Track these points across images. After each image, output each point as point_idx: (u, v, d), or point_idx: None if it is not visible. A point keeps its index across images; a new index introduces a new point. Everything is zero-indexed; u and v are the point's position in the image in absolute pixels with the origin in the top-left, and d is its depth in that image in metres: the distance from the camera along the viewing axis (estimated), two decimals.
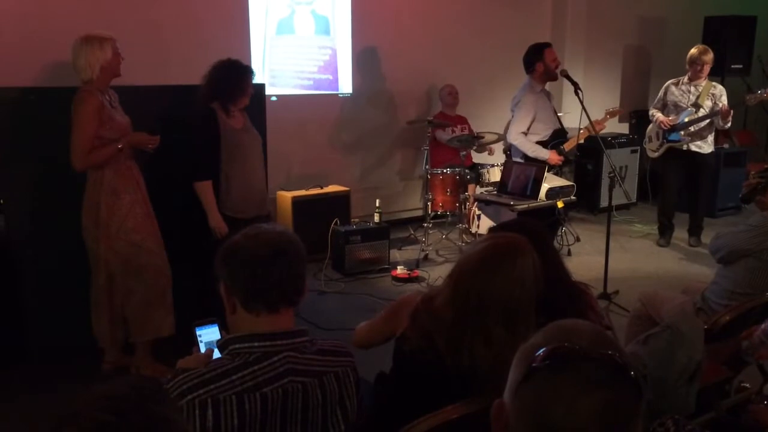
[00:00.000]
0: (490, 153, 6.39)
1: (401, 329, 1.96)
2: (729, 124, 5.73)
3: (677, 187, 6.01)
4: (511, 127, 5.38)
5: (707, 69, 5.64)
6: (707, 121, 5.66)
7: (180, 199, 3.81)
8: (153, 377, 1.49)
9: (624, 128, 7.96)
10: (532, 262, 1.82)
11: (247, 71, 3.79)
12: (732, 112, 5.58)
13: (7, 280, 3.71)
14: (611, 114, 5.60)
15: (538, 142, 5.30)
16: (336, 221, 5.46)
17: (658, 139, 5.91)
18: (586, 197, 6.90)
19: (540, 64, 5.25)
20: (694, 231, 6.11)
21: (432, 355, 1.83)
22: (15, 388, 3.48)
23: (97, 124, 3.32)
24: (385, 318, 2.16)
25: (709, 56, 5.59)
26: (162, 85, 4.25)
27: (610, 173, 4.64)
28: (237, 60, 3.78)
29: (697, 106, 5.67)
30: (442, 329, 1.83)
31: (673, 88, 5.84)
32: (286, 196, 5.63)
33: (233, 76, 3.74)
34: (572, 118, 5.71)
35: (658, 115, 5.83)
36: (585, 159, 7.23)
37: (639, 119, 8.03)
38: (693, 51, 5.68)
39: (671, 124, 5.74)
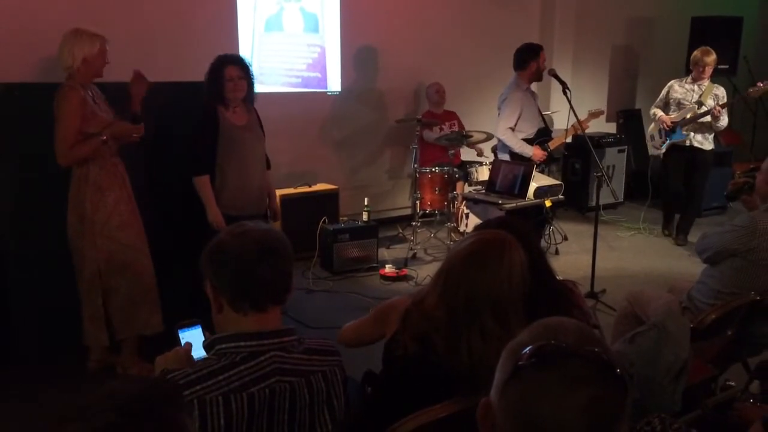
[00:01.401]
0: (479, 153, 6.41)
1: (390, 333, 1.95)
2: (720, 123, 5.74)
3: (678, 183, 6.09)
4: (499, 123, 5.41)
5: (709, 70, 5.75)
6: (708, 118, 5.73)
7: (173, 196, 3.79)
8: (168, 378, 1.47)
9: (611, 128, 7.99)
10: (519, 258, 1.83)
11: (222, 65, 3.71)
12: (723, 111, 5.65)
13: None
14: (593, 115, 5.70)
15: (523, 140, 5.34)
16: (324, 219, 5.44)
17: (660, 137, 6.00)
18: (573, 196, 6.92)
19: (534, 63, 5.32)
20: (683, 229, 6.19)
21: (430, 358, 1.82)
22: (1, 388, 3.43)
23: (80, 119, 3.30)
24: (372, 320, 2.14)
25: (712, 57, 5.70)
26: (150, 82, 4.22)
27: (597, 173, 4.65)
28: (223, 54, 3.75)
29: (699, 104, 5.76)
30: (439, 329, 1.83)
31: (676, 86, 5.94)
32: None
33: (210, 73, 3.72)
34: (559, 118, 5.74)
35: (660, 114, 5.93)
36: (573, 158, 7.25)
37: (626, 119, 8.07)
38: (696, 53, 5.80)
39: (673, 122, 5.83)
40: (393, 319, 1.95)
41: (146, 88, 3.52)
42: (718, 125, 5.77)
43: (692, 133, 5.81)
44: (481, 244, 1.87)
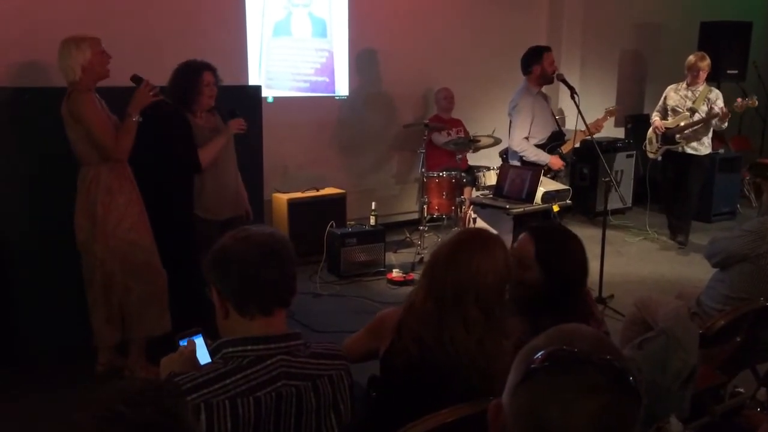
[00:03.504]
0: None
1: (384, 346, 1.96)
2: (726, 125, 5.87)
3: (675, 189, 6.14)
4: (513, 134, 5.29)
5: (703, 75, 5.81)
6: (701, 124, 5.81)
7: (158, 201, 3.76)
8: (170, 378, 1.49)
9: (620, 133, 7.97)
10: (503, 254, 1.90)
11: (199, 70, 3.66)
12: (729, 114, 5.73)
13: (1, 281, 3.68)
14: (610, 113, 5.64)
15: (535, 146, 5.27)
16: (332, 223, 5.44)
17: (656, 142, 6.07)
18: (581, 201, 6.89)
19: (537, 67, 5.23)
20: (682, 229, 6.21)
21: (427, 358, 1.84)
22: (8, 389, 3.45)
23: (102, 117, 3.34)
24: (365, 335, 2.14)
25: (705, 63, 5.76)
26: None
27: (605, 178, 4.63)
28: (192, 61, 3.69)
29: (692, 110, 5.81)
30: (428, 323, 1.87)
31: (672, 93, 6.02)
32: (281, 198, 5.63)
33: (184, 79, 3.66)
34: (568, 122, 5.71)
35: (655, 119, 6.04)
36: (581, 163, 7.21)
37: (635, 124, 8.04)
38: (690, 58, 5.86)
39: (667, 128, 5.91)
40: (386, 332, 1.97)
41: (149, 89, 3.46)
42: (723, 127, 5.86)
43: (685, 141, 5.87)
44: (466, 236, 1.98)
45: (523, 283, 2.09)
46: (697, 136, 5.87)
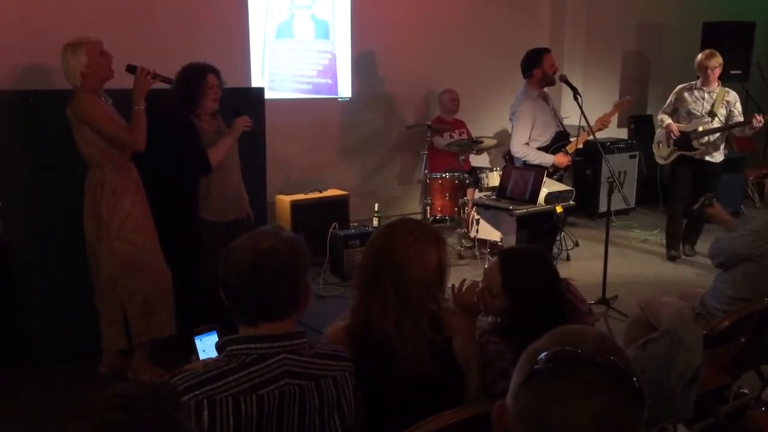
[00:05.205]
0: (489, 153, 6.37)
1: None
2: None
3: (687, 196, 5.72)
4: (513, 140, 5.23)
5: (714, 73, 5.40)
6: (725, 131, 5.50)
7: (162, 203, 3.76)
8: (166, 381, 1.50)
9: (623, 133, 7.97)
10: (435, 254, 1.92)
11: (203, 73, 3.64)
12: (762, 123, 5.28)
13: (5, 282, 3.70)
14: (619, 106, 5.44)
15: (539, 149, 5.23)
16: (335, 225, 5.45)
17: (668, 147, 5.67)
18: (584, 202, 6.88)
19: (538, 69, 5.14)
20: (691, 239, 5.96)
21: (369, 335, 1.88)
22: (12, 390, 3.46)
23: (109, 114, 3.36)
24: None
25: (714, 60, 5.36)
26: (160, 90, 4.25)
27: (609, 179, 4.62)
28: (195, 64, 3.68)
29: (712, 114, 5.46)
30: (359, 299, 1.93)
31: (685, 95, 5.56)
32: (284, 200, 5.63)
33: (188, 82, 3.63)
34: (571, 123, 5.69)
35: (669, 122, 5.56)
36: (584, 164, 7.22)
37: (638, 124, 8.04)
38: (699, 56, 5.48)
39: (682, 132, 5.50)
40: (339, 342, 1.92)
41: (147, 74, 3.45)
42: (748, 135, 5.59)
43: (703, 147, 5.47)
44: (403, 219, 2.05)
45: (494, 310, 2.12)
46: (716, 144, 5.51)
